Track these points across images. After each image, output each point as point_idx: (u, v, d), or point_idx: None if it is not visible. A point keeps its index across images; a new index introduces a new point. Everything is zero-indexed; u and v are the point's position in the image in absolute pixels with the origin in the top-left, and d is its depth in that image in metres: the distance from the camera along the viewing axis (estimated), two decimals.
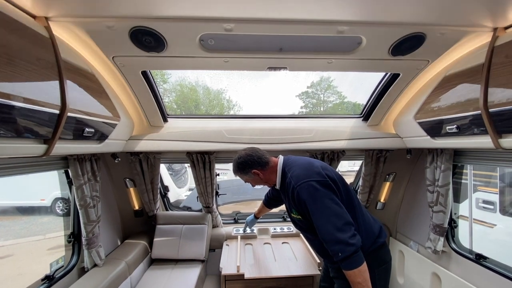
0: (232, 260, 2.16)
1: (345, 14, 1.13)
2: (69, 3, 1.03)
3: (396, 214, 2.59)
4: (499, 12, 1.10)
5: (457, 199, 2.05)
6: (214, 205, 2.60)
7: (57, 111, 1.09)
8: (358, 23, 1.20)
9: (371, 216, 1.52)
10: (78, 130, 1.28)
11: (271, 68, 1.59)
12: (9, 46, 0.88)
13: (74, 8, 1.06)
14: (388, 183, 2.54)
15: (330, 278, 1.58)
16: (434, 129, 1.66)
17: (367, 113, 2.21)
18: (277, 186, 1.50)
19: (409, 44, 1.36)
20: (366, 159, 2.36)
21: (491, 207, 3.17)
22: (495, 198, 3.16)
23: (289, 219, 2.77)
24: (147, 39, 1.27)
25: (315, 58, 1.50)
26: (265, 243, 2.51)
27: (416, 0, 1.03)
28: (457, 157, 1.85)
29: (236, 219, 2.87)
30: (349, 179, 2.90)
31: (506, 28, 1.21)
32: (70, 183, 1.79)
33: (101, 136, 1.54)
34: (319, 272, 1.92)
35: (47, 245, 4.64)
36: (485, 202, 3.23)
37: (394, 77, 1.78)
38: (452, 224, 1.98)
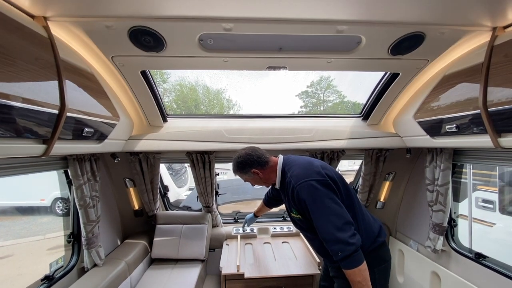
0: (232, 259, 2.16)
1: (344, 14, 1.13)
2: (68, 3, 1.03)
3: (396, 213, 2.59)
4: (498, 12, 1.10)
5: (456, 198, 2.05)
6: (214, 205, 2.60)
7: (56, 111, 1.09)
8: (358, 23, 1.20)
9: (371, 216, 1.52)
10: (78, 130, 1.28)
11: (270, 68, 1.59)
12: (8, 46, 0.88)
13: (73, 8, 1.06)
14: (388, 183, 2.54)
15: (330, 278, 1.58)
16: (433, 128, 1.66)
17: (367, 112, 2.21)
18: (277, 186, 1.50)
19: (408, 44, 1.36)
20: (366, 158, 2.36)
21: (491, 206, 3.18)
22: (495, 197, 3.16)
23: (289, 219, 2.77)
24: (146, 38, 1.27)
25: (315, 58, 1.50)
26: (265, 243, 2.51)
27: (416, 0, 1.03)
28: (457, 156, 1.86)
29: (236, 218, 2.87)
30: (349, 179, 2.91)
31: (505, 27, 1.21)
32: (69, 183, 1.78)
33: (100, 136, 1.54)
34: (319, 272, 1.92)
35: (47, 245, 4.63)
36: (484, 201, 3.23)
37: (394, 76, 1.78)
38: (452, 223, 1.98)
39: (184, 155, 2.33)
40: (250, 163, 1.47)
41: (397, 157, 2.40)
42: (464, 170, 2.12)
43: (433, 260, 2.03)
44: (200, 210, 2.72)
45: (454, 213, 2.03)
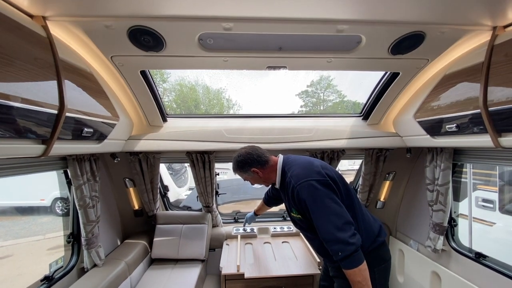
0: (232, 259, 2.16)
1: (344, 13, 1.13)
2: (67, 3, 1.02)
3: (396, 213, 2.59)
4: (499, 11, 1.10)
5: (456, 197, 2.05)
6: (214, 205, 2.60)
7: (55, 111, 1.08)
8: (358, 22, 1.20)
9: (370, 215, 1.52)
10: (77, 130, 1.28)
11: (270, 67, 1.59)
12: (6, 45, 0.87)
13: (72, 8, 1.06)
14: (388, 182, 2.54)
15: (330, 277, 1.58)
16: (433, 128, 1.66)
17: (367, 112, 2.21)
18: (277, 186, 1.50)
19: (408, 43, 1.36)
20: (366, 158, 2.36)
21: (491, 205, 3.18)
22: (495, 196, 3.16)
23: (289, 219, 2.77)
24: (146, 38, 1.26)
25: (315, 57, 1.50)
26: (265, 243, 2.51)
27: None
28: (457, 156, 1.85)
29: (236, 218, 2.87)
30: (349, 178, 2.91)
31: (506, 26, 1.20)
32: (69, 183, 1.78)
33: (100, 136, 1.54)
34: (319, 272, 1.92)
35: (47, 245, 4.63)
36: (484, 200, 3.23)
37: (394, 76, 1.77)
38: (452, 223, 1.98)
39: (184, 155, 2.33)
40: (250, 162, 1.47)
41: (397, 157, 2.40)
42: (464, 169, 2.12)
43: (433, 260, 2.03)
44: (200, 210, 2.71)
45: (454, 212, 2.02)
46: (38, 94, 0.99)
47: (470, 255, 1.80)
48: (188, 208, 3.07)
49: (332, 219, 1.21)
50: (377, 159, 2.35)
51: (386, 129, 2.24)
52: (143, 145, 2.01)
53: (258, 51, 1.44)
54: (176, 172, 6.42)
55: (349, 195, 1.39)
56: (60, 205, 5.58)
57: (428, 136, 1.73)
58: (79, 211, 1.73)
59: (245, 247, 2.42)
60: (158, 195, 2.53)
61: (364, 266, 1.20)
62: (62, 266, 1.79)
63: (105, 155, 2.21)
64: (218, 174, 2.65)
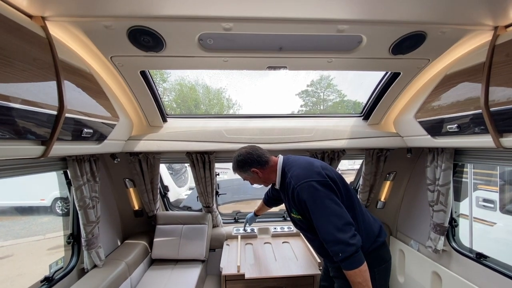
0: (232, 260, 2.16)
1: (345, 13, 1.12)
2: (66, 3, 1.02)
3: (396, 213, 2.59)
4: (500, 11, 1.09)
5: (457, 197, 2.05)
6: (214, 205, 2.60)
7: (54, 112, 1.08)
8: (358, 22, 1.19)
9: (371, 216, 1.52)
10: (77, 131, 1.27)
11: (270, 68, 1.58)
12: (5, 46, 0.87)
13: (71, 8, 1.05)
14: (388, 182, 2.54)
15: (330, 278, 1.57)
16: (434, 128, 1.65)
17: (368, 112, 2.20)
18: (277, 186, 1.50)
19: (409, 43, 1.35)
20: (366, 158, 2.35)
21: (491, 205, 3.17)
22: (495, 196, 3.16)
23: (289, 219, 2.77)
24: (146, 38, 1.26)
25: (315, 57, 1.50)
26: (265, 243, 2.50)
27: None
28: (458, 156, 1.85)
29: (236, 218, 2.86)
30: (349, 178, 2.91)
31: (507, 26, 1.20)
32: (69, 184, 1.78)
33: (100, 137, 1.53)
34: (319, 272, 1.92)
35: (47, 245, 4.63)
36: (485, 200, 3.23)
37: (395, 76, 1.77)
38: (453, 223, 1.98)
39: (184, 155, 2.32)
40: (250, 162, 1.47)
41: (397, 157, 2.40)
42: (465, 169, 2.11)
43: (434, 260, 2.03)
44: (200, 210, 2.71)
45: (455, 212, 2.02)
46: (38, 95, 0.99)
47: (471, 255, 1.79)
48: (188, 208, 3.07)
49: (332, 219, 1.21)
50: (378, 159, 2.34)
51: (386, 129, 2.23)
52: (143, 146, 2.01)
53: (258, 51, 1.43)
54: (176, 172, 6.42)
55: (349, 196, 1.39)
56: (60, 205, 5.58)
57: (429, 136, 1.73)
58: (79, 212, 1.73)
59: (245, 248, 2.42)
60: (158, 196, 2.52)
61: (364, 267, 1.20)
62: (62, 267, 1.79)
63: (105, 156, 2.21)
64: (218, 174, 2.64)
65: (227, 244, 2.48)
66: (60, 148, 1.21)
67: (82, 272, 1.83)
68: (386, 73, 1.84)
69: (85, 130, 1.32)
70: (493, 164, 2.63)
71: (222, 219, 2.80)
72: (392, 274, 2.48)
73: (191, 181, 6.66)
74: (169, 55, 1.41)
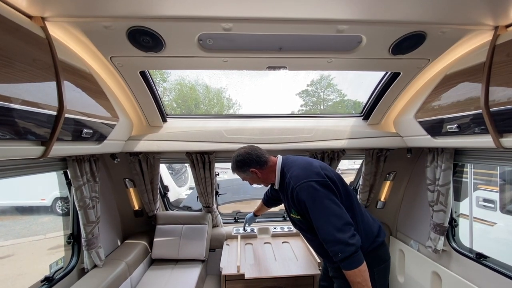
0: (232, 260, 2.16)
1: (345, 13, 1.12)
2: (66, 3, 1.02)
3: (396, 213, 2.59)
4: (500, 11, 1.09)
5: (457, 197, 2.04)
6: (214, 205, 2.60)
7: (54, 113, 1.08)
8: (358, 22, 1.19)
9: (370, 216, 1.52)
10: (76, 131, 1.27)
11: (270, 68, 1.58)
12: (5, 47, 0.87)
13: (71, 8, 1.05)
14: (388, 182, 2.53)
15: (329, 278, 1.58)
16: (434, 128, 1.65)
17: (367, 112, 2.20)
18: (276, 186, 1.50)
19: (409, 43, 1.35)
20: (366, 158, 2.35)
21: (492, 205, 3.17)
22: (496, 196, 3.15)
23: (289, 219, 2.77)
24: (145, 39, 1.26)
25: (315, 58, 1.49)
26: (265, 243, 2.51)
27: None
28: (458, 156, 1.85)
29: (236, 218, 2.87)
30: (349, 177, 2.91)
31: (507, 26, 1.20)
32: (69, 184, 1.78)
33: (99, 137, 1.53)
34: (319, 272, 1.92)
35: (48, 245, 4.64)
36: (485, 200, 3.22)
37: (395, 76, 1.77)
38: (453, 223, 1.98)
39: (184, 155, 2.32)
40: (249, 162, 1.46)
41: (397, 157, 2.40)
42: (465, 169, 2.11)
43: (433, 260, 2.03)
44: (200, 210, 2.71)
45: (455, 212, 2.02)
46: (37, 95, 0.99)
47: (471, 255, 1.79)
48: (188, 208, 3.07)
49: (331, 220, 1.21)
50: (378, 159, 2.34)
51: (386, 129, 2.23)
52: (142, 146, 2.01)
53: (258, 52, 1.43)
54: (177, 172, 6.42)
55: (348, 196, 1.39)
56: (61, 204, 5.58)
57: (429, 136, 1.73)
58: (79, 212, 1.73)
59: (245, 248, 2.42)
60: (158, 196, 2.53)
61: (364, 267, 1.20)
62: (62, 267, 1.79)
63: (105, 156, 2.21)
64: (218, 174, 2.65)
65: (227, 244, 2.48)
66: (60, 149, 1.21)
67: (82, 272, 1.83)
68: (386, 73, 1.84)
69: (85, 130, 1.32)
70: (493, 164, 2.63)
71: (222, 219, 2.80)
72: (392, 274, 2.48)
73: (191, 181, 6.66)
74: (168, 55, 1.41)
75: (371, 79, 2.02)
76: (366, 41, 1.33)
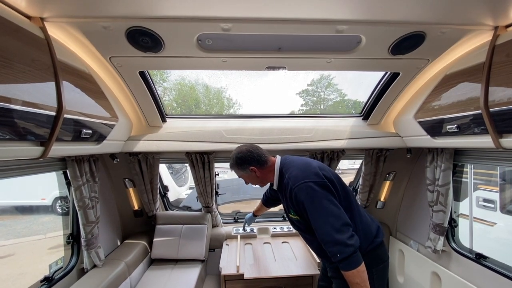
0: (232, 260, 2.16)
1: (344, 13, 1.12)
2: (65, 4, 1.02)
3: (396, 213, 2.58)
4: (500, 11, 1.09)
5: (457, 197, 2.04)
6: (214, 205, 2.60)
7: (53, 113, 1.08)
8: (358, 22, 1.19)
9: (368, 216, 1.52)
10: (76, 131, 1.27)
11: (270, 68, 1.58)
12: (4, 47, 0.87)
13: (70, 9, 1.05)
14: (388, 182, 2.53)
15: (328, 278, 1.57)
16: (434, 128, 1.65)
17: (367, 112, 2.20)
18: (275, 187, 1.50)
19: (409, 43, 1.35)
20: (366, 158, 2.35)
21: (492, 205, 3.17)
22: (496, 196, 3.15)
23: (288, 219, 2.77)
24: (144, 39, 1.26)
25: (314, 58, 1.49)
26: (265, 243, 2.51)
27: None
28: (458, 157, 1.84)
29: (236, 218, 2.87)
30: (349, 177, 2.90)
31: (507, 26, 1.19)
32: (68, 184, 1.78)
33: (99, 137, 1.54)
34: (318, 272, 1.92)
35: (48, 245, 4.66)
36: (485, 200, 3.22)
37: (394, 76, 1.76)
38: (452, 223, 1.98)
39: (183, 156, 2.32)
40: (249, 160, 1.46)
41: (397, 157, 2.39)
42: (465, 169, 2.11)
43: (433, 261, 2.02)
44: (200, 210, 2.72)
45: (455, 212, 2.02)
46: (36, 96, 0.99)
47: (471, 256, 1.79)
48: (188, 208, 3.07)
49: (330, 220, 1.21)
50: (377, 159, 2.34)
51: (386, 129, 2.23)
52: (142, 146, 2.01)
53: (257, 52, 1.43)
54: (177, 172, 6.43)
55: (347, 196, 1.39)
56: (61, 204, 5.59)
57: (429, 136, 1.72)
58: (78, 212, 1.73)
59: (245, 248, 2.42)
60: (158, 196, 2.53)
61: (362, 267, 1.19)
62: (62, 267, 1.79)
63: (105, 156, 2.21)
64: (217, 175, 2.65)
65: (227, 244, 2.49)
66: (59, 149, 1.21)
67: (82, 272, 1.83)
68: (386, 73, 1.84)
69: (84, 130, 1.32)
70: (493, 165, 2.62)
71: (222, 219, 2.80)
72: (391, 274, 2.48)
73: (191, 181, 6.67)
74: (168, 56, 1.41)
75: (371, 79, 2.02)
76: (366, 41, 1.33)
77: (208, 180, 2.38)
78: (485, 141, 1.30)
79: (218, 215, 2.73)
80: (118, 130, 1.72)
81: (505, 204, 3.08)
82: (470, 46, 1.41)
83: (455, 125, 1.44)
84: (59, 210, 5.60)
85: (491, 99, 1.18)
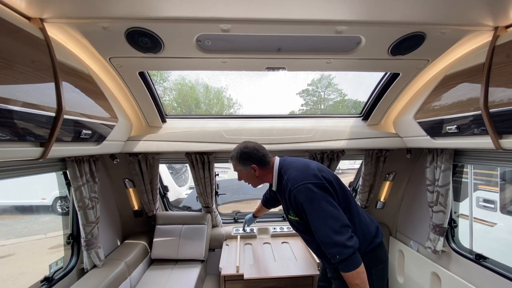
0: (231, 260, 2.17)
1: (344, 14, 1.12)
2: (64, 4, 1.02)
3: (396, 213, 2.58)
4: (500, 11, 1.09)
5: (457, 198, 2.04)
6: (214, 205, 2.60)
7: (53, 114, 1.08)
8: (357, 23, 1.19)
9: (367, 216, 1.52)
10: (75, 132, 1.28)
11: (269, 69, 1.58)
12: (4, 48, 0.87)
13: (69, 9, 1.05)
14: (388, 183, 2.53)
15: (328, 278, 1.57)
16: (434, 129, 1.65)
17: (367, 112, 2.20)
18: (274, 188, 1.50)
19: (408, 44, 1.35)
20: (366, 158, 2.35)
21: (492, 205, 3.16)
22: (496, 196, 3.14)
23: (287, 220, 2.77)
24: (144, 40, 1.26)
25: (314, 58, 1.49)
26: (264, 243, 2.51)
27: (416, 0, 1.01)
28: (457, 157, 1.84)
29: (236, 218, 2.87)
30: (349, 177, 2.90)
31: (507, 27, 1.19)
32: (68, 185, 1.78)
33: (99, 138, 1.54)
34: (318, 272, 1.92)
35: (49, 244, 4.66)
36: (485, 201, 3.21)
37: (394, 76, 1.76)
38: (452, 224, 1.97)
39: (183, 156, 2.32)
40: (253, 158, 1.46)
41: (397, 157, 2.39)
42: (465, 169, 2.10)
43: (433, 261, 2.02)
44: (200, 210, 2.72)
45: (455, 213, 2.02)
46: (36, 96, 0.99)
47: (470, 256, 1.79)
48: (188, 208, 3.08)
49: (329, 222, 1.21)
50: (377, 160, 2.34)
51: (386, 129, 2.23)
52: (142, 146, 2.01)
53: (257, 52, 1.43)
54: (177, 172, 6.43)
55: (346, 197, 1.39)
56: (61, 204, 5.60)
57: (428, 137, 1.72)
58: (78, 212, 1.73)
59: (244, 248, 2.42)
60: (158, 196, 2.53)
61: (362, 268, 1.19)
62: (62, 267, 1.80)
63: (105, 156, 2.21)
64: (217, 175, 2.65)
65: (227, 244, 2.49)
66: (59, 150, 1.21)
67: (82, 272, 1.83)
68: (386, 73, 1.84)
69: (84, 131, 1.33)
70: (493, 165, 2.62)
71: (222, 219, 2.80)
72: (391, 275, 2.48)
73: (191, 181, 6.67)
74: (167, 56, 1.41)
75: (371, 79, 2.02)
76: (365, 42, 1.33)
77: (208, 180, 2.38)
78: (485, 141, 1.30)
79: (218, 215, 2.73)
80: (118, 131, 1.72)
81: (505, 204, 3.08)
82: (470, 47, 1.41)
83: (455, 126, 1.44)
84: (60, 210, 5.60)
85: (491, 100, 1.18)
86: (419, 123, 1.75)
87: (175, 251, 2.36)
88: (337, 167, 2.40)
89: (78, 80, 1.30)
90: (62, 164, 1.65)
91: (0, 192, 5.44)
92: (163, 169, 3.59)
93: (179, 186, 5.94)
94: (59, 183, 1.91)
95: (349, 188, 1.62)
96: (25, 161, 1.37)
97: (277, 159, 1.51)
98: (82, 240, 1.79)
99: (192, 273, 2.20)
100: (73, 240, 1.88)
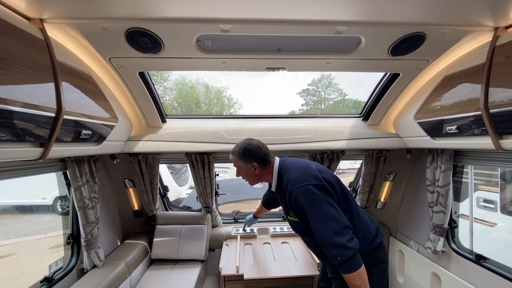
0: (231, 260, 2.16)
1: (344, 14, 1.12)
2: (64, 5, 1.02)
3: (396, 213, 2.58)
4: (500, 12, 1.08)
5: (457, 198, 2.04)
6: (214, 205, 2.60)
7: (52, 114, 1.08)
8: (357, 23, 1.18)
9: (367, 217, 1.52)
10: (75, 132, 1.28)
11: (269, 69, 1.58)
12: (3, 49, 0.87)
13: (69, 10, 1.05)
14: (388, 183, 2.53)
15: (328, 278, 1.57)
16: (434, 129, 1.65)
17: (367, 112, 2.20)
18: (273, 189, 1.50)
19: (409, 44, 1.34)
20: (366, 158, 2.35)
21: (492, 206, 3.16)
22: (496, 197, 3.14)
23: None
24: (143, 40, 1.26)
25: (314, 59, 1.49)
26: (264, 243, 2.51)
27: (416, 0, 1.01)
28: (458, 157, 1.84)
29: (236, 218, 2.87)
30: (350, 177, 2.90)
31: (507, 27, 1.19)
32: (68, 185, 1.78)
33: (99, 138, 1.54)
34: (318, 273, 1.92)
35: (49, 244, 4.66)
36: (486, 201, 3.21)
37: (394, 77, 1.76)
38: (452, 224, 1.97)
39: (183, 156, 2.32)
40: (255, 156, 1.45)
41: (397, 158, 2.39)
42: (465, 170, 2.10)
43: (433, 261, 2.02)
44: (200, 210, 2.72)
45: (455, 213, 2.01)
46: (35, 97, 0.99)
47: (471, 256, 1.79)
48: (188, 208, 3.08)
49: (329, 223, 1.21)
50: (377, 160, 2.34)
51: (386, 129, 2.23)
52: (142, 146, 2.01)
53: (257, 53, 1.43)
54: (177, 171, 6.43)
55: (346, 198, 1.39)
56: (62, 203, 5.60)
57: (429, 137, 1.72)
58: (78, 212, 1.73)
59: (244, 248, 2.42)
60: (158, 196, 2.53)
61: (362, 269, 1.19)
62: (61, 267, 1.80)
63: (105, 156, 2.21)
64: (217, 175, 2.65)
65: (227, 244, 2.49)
66: (59, 150, 1.21)
67: (82, 272, 1.84)
68: (386, 73, 1.84)
69: (84, 131, 1.33)
70: (493, 166, 2.61)
71: (222, 219, 2.80)
72: (391, 275, 2.48)
73: (191, 181, 6.67)
74: (167, 57, 1.41)
75: (371, 79, 2.01)
76: (365, 42, 1.33)
77: (208, 180, 2.38)
78: (485, 142, 1.29)
79: (218, 215, 2.73)
80: (118, 131, 1.72)
81: (505, 204, 3.08)
82: (470, 47, 1.40)
83: (455, 126, 1.44)
84: (60, 209, 5.61)
85: (491, 100, 1.18)
86: (419, 123, 1.75)
87: (175, 251, 2.36)
88: (337, 167, 2.40)
89: (78, 81, 1.30)
90: (62, 164, 1.65)
91: (1, 192, 5.44)
92: (163, 169, 3.59)
93: (179, 186, 5.94)
94: (59, 183, 1.91)
95: (349, 189, 1.62)
96: (25, 161, 1.37)
97: (277, 160, 1.50)
98: (82, 240, 1.79)
99: (192, 273, 2.20)
100: (73, 240, 1.88)
